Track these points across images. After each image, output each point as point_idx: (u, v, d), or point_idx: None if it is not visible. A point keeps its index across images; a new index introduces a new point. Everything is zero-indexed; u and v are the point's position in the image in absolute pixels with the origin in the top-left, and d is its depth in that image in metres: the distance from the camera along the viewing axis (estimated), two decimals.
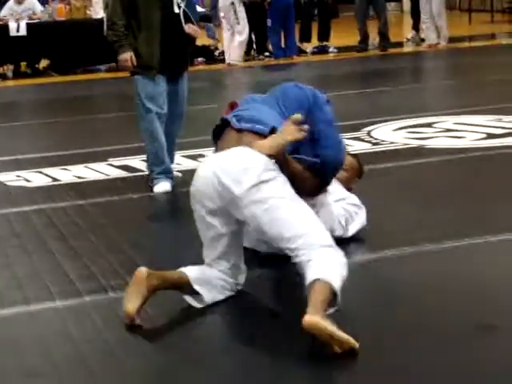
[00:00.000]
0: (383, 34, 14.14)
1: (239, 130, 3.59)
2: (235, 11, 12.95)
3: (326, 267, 3.18)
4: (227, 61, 13.31)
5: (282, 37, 13.99)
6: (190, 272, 3.50)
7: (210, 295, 3.51)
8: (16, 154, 7.03)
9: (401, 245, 4.20)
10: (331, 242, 3.33)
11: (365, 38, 14.17)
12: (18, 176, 6.23)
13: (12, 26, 12.82)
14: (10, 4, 13.41)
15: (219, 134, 3.68)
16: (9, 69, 13.46)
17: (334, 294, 3.15)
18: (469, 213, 4.73)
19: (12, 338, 3.38)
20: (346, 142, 6.77)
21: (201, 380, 2.95)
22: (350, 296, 3.56)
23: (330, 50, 14.56)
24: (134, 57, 5.47)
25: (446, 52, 13.77)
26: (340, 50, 14.56)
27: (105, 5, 5.85)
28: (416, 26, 15.17)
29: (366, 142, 6.84)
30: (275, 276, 3.95)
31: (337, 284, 3.16)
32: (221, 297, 3.54)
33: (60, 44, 12.90)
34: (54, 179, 6.10)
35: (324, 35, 14.61)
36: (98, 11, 13.23)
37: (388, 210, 4.89)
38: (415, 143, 6.68)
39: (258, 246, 4.04)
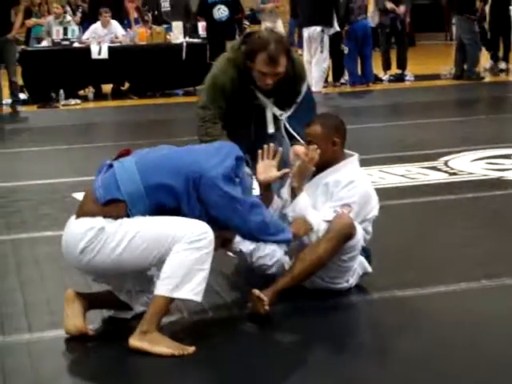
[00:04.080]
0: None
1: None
2: (322, 39, 12.98)
3: (165, 277, 3.36)
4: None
5: (359, 64, 14.02)
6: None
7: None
8: (93, 175, 7.14)
9: (477, 278, 4.15)
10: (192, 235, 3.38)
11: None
12: None
13: (94, 48, 13.11)
14: (94, 27, 13.70)
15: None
16: (90, 91, 13.74)
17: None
18: None
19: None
20: (423, 171, 6.77)
21: None
22: (411, 329, 3.54)
23: (407, 78, 14.51)
24: None
25: None
26: (417, 78, 14.49)
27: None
28: (494, 56, 15.06)
29: (443, 172, 6.78)
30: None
31: (169, 290, 3.35)
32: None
33: (140, 67, 13.14)
34: None
35: (401, 63, 14.60)
36: (177, 36, 13.44)
37: (464, 242, 4.84)
38: (493, 174, 6.60)
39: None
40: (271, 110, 4.44)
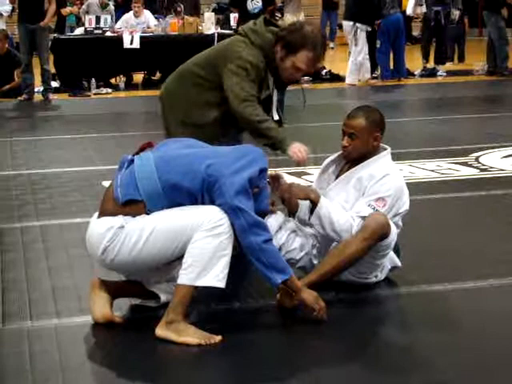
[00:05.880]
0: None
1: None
2: (356, 33, 12.94)
3: (187, 266, 3.37)
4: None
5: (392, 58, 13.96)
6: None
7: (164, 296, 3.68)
8: None
9: (506, 274, 4.12)
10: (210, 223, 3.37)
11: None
12: None
13: (126, 38, 13.15)
14: (127, 17, 13.76)
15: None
16: (121, 80, 13.78)
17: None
18: None
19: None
20: (453, 166, 6.72)
21: None
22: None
23: (439, 73, 14.42)
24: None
25: None
26: (449, 73, 14.41)
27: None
28: None
29: (474, 167, 6.74)
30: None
31: (192, 278, 3.36)
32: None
33: (171, 58, 13.13)
34: None
35: (438, 59, 14.54)
36: (209, 27, 13.45)
37: (493, 238, 4.81)
38: None
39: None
40: (276, 97, 4.35)
